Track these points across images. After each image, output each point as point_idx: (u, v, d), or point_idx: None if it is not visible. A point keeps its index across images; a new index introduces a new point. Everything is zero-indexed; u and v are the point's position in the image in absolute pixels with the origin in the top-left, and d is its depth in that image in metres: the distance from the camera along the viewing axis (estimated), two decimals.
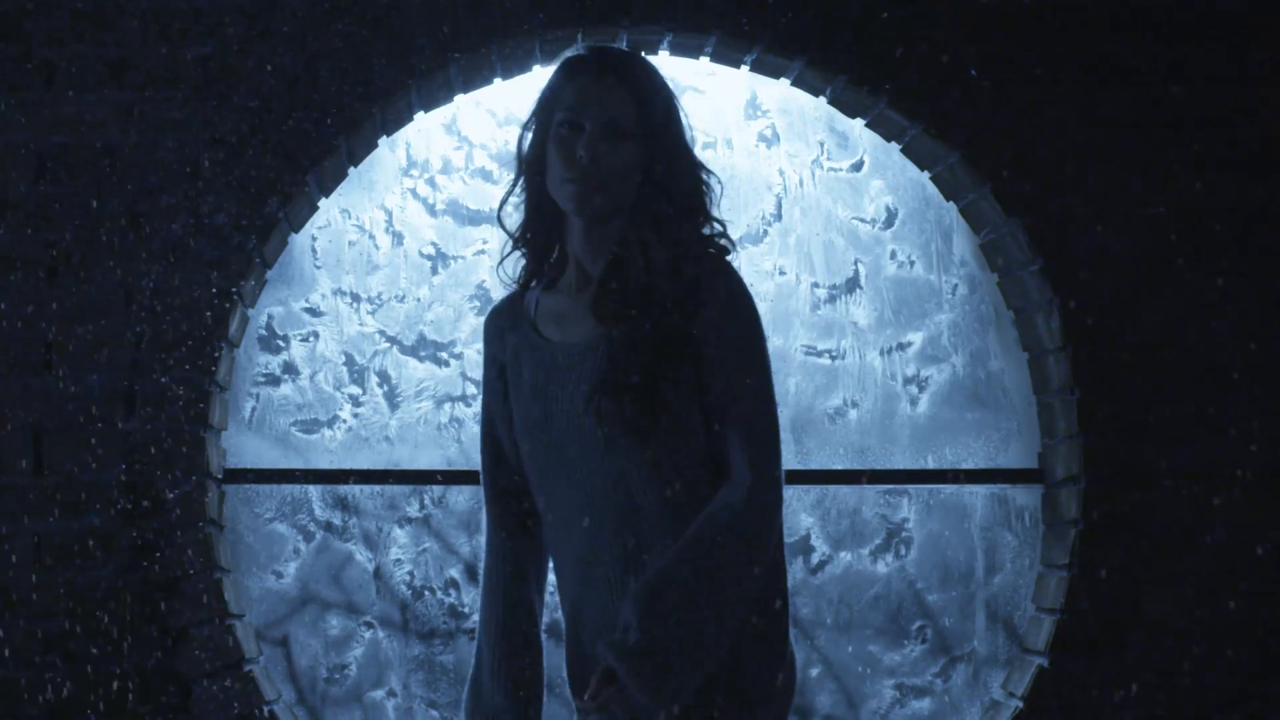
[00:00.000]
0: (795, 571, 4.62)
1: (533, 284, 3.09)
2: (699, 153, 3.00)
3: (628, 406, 2.82)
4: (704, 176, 3.00)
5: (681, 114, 3.00)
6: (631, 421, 2.82)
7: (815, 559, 4.64)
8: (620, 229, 2.93)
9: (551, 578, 3.05)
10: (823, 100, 4.63)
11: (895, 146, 4.65)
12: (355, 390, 4.60)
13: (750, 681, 2.80)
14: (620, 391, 2.83)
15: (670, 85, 3.00)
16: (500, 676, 3.01)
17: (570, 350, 2.93)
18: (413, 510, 4.57)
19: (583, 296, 2.96)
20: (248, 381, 4.61)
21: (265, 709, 4.25)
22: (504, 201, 3.08)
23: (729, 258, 2.95)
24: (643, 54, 3.07)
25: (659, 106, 2.94)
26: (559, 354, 2.94)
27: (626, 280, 2.89)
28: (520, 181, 3.05)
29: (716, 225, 2.99)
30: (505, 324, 3.08)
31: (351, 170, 4.54)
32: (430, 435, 4.60)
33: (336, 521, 4.57)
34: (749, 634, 2.79)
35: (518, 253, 3.10)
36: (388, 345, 4.61)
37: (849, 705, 4.62)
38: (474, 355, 4.50)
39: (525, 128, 3.04)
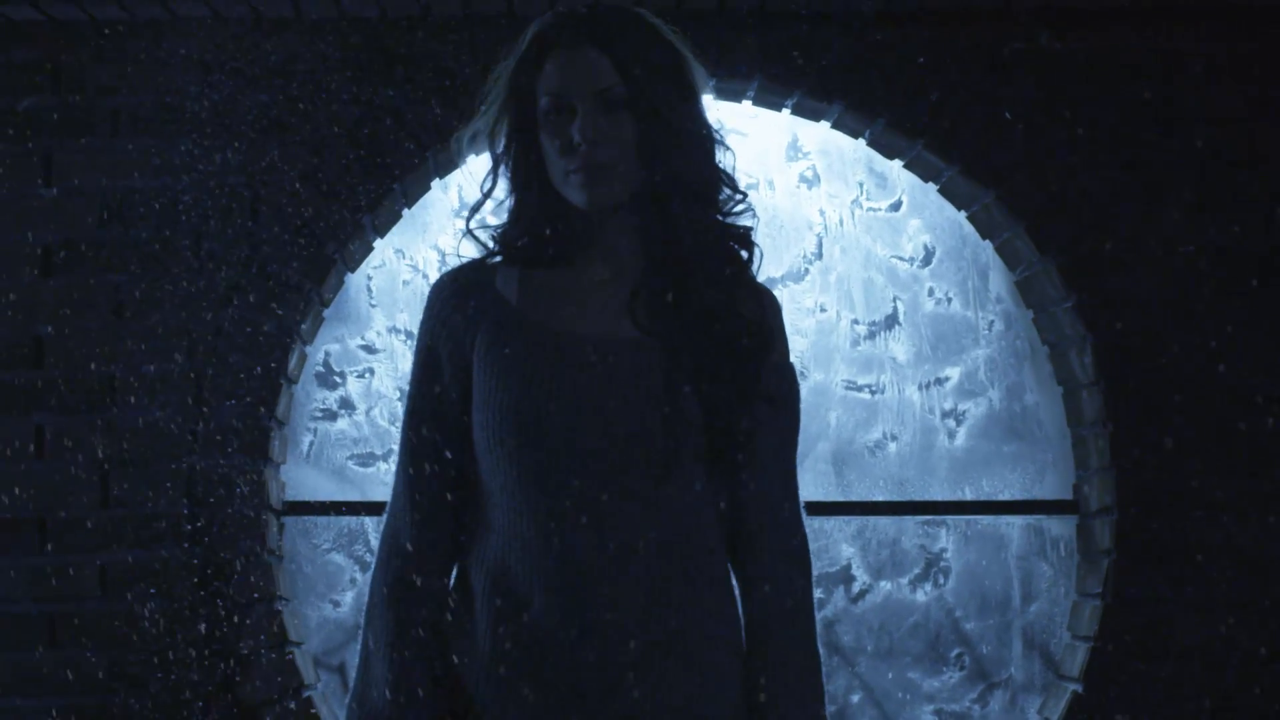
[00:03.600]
0: (837, 600, 4.65)
1: (490, 259, 2.62)
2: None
3: (732, 430, 2.49)
4: (715, 136, 2.58)
5: (689, 68, 2.56)
6: (723, 446, 2.50)
7: (856, 588, 4.66)
8: (645, 210, 2.53)
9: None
10: (862, 142, 4.65)
11: (932, 187, 4.67)
12: None
13: None
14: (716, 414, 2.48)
15: (672, 36, 2.56)
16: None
17: (602, 347, 2.48)
18: None
19: (609, 287, 2.55)
20: (306, 417, 4.66)
21: None
22: (475, 210, 2.63)
23: (750, 223, 2.61)
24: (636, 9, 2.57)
25: (644, 61, 2.49)
26: (586, 349, 2.48)
27: (671, 282, 2.51)
28: (498, 181, 2.61)
29: (736, 195, 2.60)
30: (472, 301, 2.57)
31: (405, 212, 4.59)
32: None
33: None
34: None
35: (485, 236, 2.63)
36: None
37: None
38: None
39: (498, 121, 2.58)
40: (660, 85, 2.49)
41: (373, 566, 2.61)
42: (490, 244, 2.62)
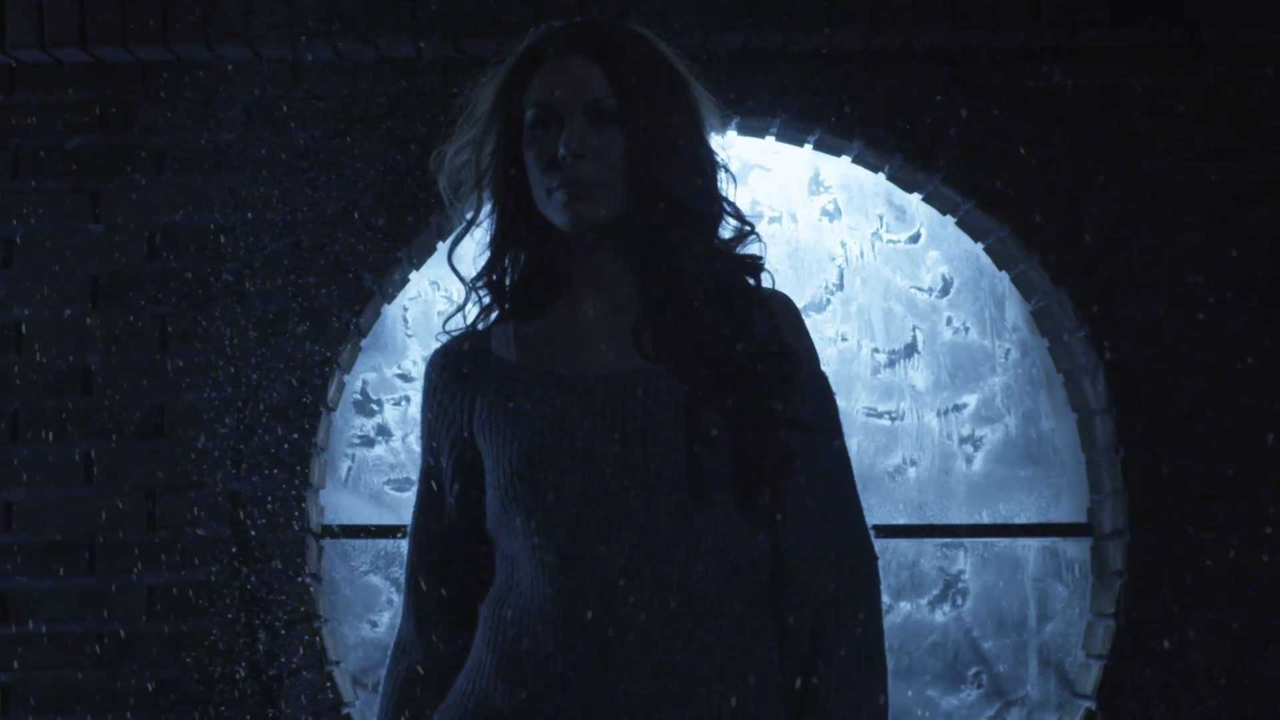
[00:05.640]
0: None
1: (480, 323, 2.41)
2: (767, 225, 2.51)
3: (767, 454, 2.22)
4: (717, 162, 2.35)
5: (690, 89, 2.34)
6: (757, 471, 2.23)
7: None
8: (636, 235, 2.30)
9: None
10: (881, 176, 4.69)
11: (950, 220, 4.71)
12: None
13: None
14: (747, 439, 2.21)
15: (674, 56, 2.35)
16: None
17: (613, 381, 2.25)
18: None
19: (609, 322, 2.32)
20: (344, 443, 4.71)
21: None
22: (458, 239, 2.43)
23: (757, 248, 2.37)
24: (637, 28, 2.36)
25: (639, 74, 2.27)
26: (596, 386, 2.25)
27: (673, 310, 2.27)
28: (480, 208, 2.40)
29: (744, 226, 2.37)
30: (466, 369, 2.34)
31: (440, 245, 4.62)
32: None
33: None
34: None
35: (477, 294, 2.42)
36: None
37: None
38: None
39: (483, 139, 2.39)
40: (656, 100, 2.27)
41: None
42: (476, 293, 2.42)
